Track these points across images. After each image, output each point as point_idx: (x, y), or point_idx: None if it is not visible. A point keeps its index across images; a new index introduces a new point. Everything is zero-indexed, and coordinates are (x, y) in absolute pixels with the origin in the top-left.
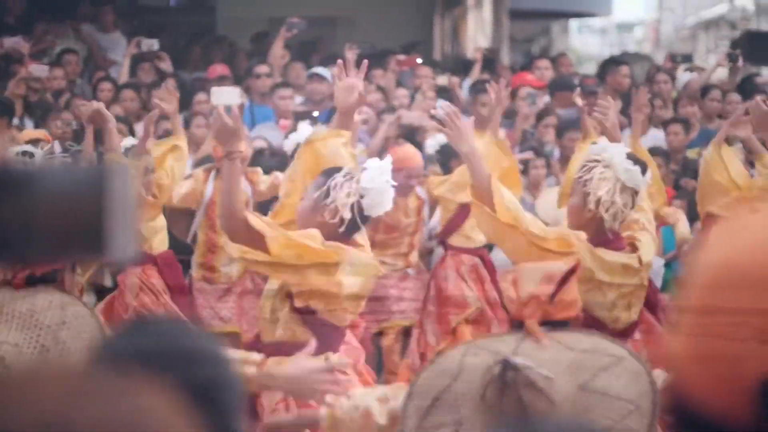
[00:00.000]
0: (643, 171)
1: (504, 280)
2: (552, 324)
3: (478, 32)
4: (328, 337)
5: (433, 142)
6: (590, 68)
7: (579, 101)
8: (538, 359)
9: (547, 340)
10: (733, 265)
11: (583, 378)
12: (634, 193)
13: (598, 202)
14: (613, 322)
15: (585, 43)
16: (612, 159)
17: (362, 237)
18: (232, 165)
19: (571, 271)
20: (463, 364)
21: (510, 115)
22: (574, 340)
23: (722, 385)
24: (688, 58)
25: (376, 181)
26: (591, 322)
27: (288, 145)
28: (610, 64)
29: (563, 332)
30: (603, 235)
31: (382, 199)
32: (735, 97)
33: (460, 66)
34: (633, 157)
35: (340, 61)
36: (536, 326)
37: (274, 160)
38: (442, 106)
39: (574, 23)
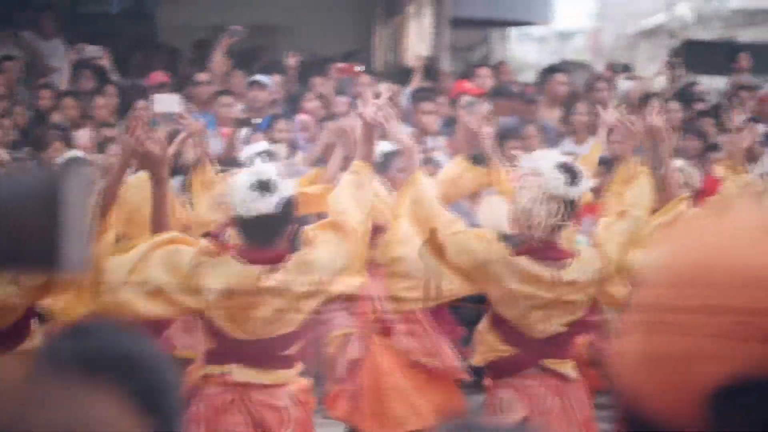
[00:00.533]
0: (576, 181)
1: None
2: None
3: (418, 40)
4: None
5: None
6: (530, 76)
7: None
8: None
9: None
10: (697, 264)
11: None
12: (564, 202)
13: (520, 210)
14: (529, 330)
15: (524, 51)
16: (539, 168)
17: None
18: (160, 191)
19: None
20: None
21: (450, 123)
22: None
23: (674, 387)
24: (627, 68)
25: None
26: (508, 327)
27: (247, 155)
28: (548, 73)
29: None
30: (530, 243)
31: None
32: (674, 105)
33: (401, 74)
34: (566, 166)
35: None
36: None
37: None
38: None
39: (513, 32)
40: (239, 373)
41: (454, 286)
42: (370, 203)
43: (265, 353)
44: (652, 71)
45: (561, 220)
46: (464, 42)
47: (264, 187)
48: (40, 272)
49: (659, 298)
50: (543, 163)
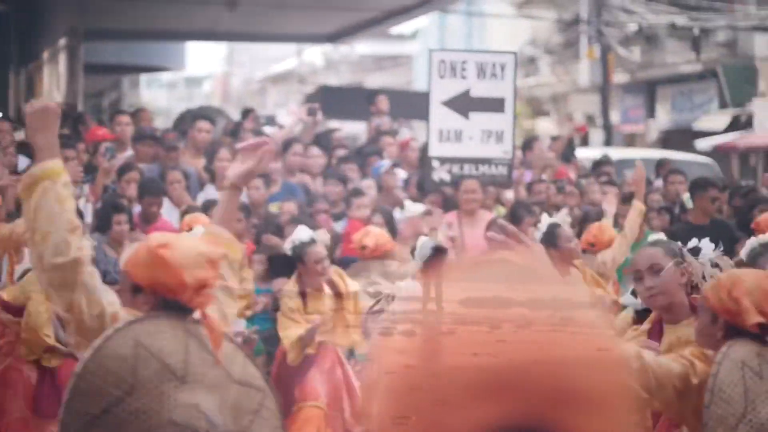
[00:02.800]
0: None
1: None
2: None
3: (53, 86)
4: None
5: None
6: (161, 122)
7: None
8: None
9: None
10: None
11: None
12: None
13: None
14: None
15: (154, 96)
16: None
17: None
18: None
19: None
20: None
21: (90, 170)
22: None
23: None
24: (251, 112)
25: None
26: None
27: None
28: (190, 120)
29: None
30: None
31: None
32: (315, 151)
33: None
34: None
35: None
36: None
37: None
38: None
39: (143, 77)
40: None
41: None
42: None
43: None
44: (283, 116)
45: None
46: (95, 87)
47: None
48: None
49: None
50: None
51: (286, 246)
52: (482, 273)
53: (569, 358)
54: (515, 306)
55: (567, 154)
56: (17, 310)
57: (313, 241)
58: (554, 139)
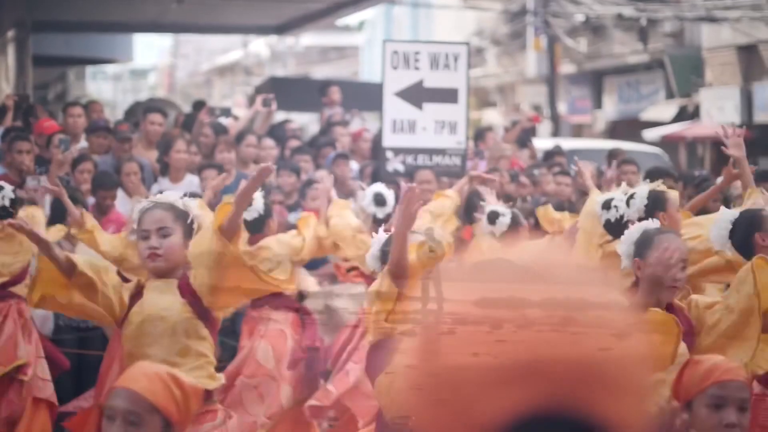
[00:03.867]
0: None
1: None
2: None
3: (1, 78)
4: None
5: None
6: (108, 114)
7: None
8: None
9: None
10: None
11: None
12: None
13: None
14: None
15: (99, 88)
16: None
17: None
18: None
19: None
20: None
21: (41, 163)
22: None
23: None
24: (202, 104)
25: None
26: None
27: None
28: (142, 111)
29: None
30: None
31: None
32: (269, 142)
33: None
34: None
35: None
36: None
37: None
38: None
39: (89, 69)
40: None
41: None
42: None
43: None
44: (231, 107)
45: None
46: (41, 79)
47: None
48: None
49: (423, 358)
50: None
51: None
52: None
53: (591, 349)
54: (534, 299)
55: (523, 139)
56: None
57: None
58: (507, 129)
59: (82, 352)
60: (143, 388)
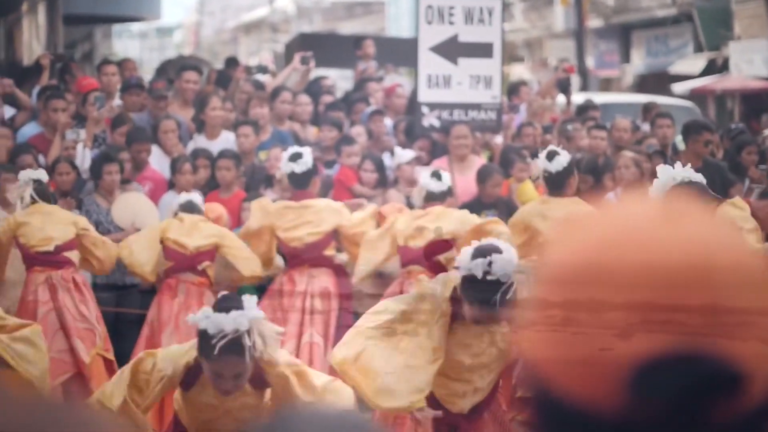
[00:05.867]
0: None
1: None
2: None
3: (33, 38)
4: None
5: None
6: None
7: None
8: None
9: None
10: (593, 262)
11: None
12: None
13: None
14: None
15: (125, 47)
16: None
17: None
18: None
19: None
20: None
21: (79, 120)
22: None
23: (591, 376)
24: (234, 61)
25: None
26: None
27: None
28: (176, 69)
29: None
30: None
31: None
32: (304, 98)
33: (22, 72)
34: None
35: None
36: None
37: None
38: None
39: (115, 28)
40: None
41: None
42: None
43: None
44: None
45: None
46: (68, 39)
47: None
48: None
49: (562, 296)
50: None
51: None
52: None
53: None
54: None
55: (565, 86)
56: None
57: None
58: (540, 83)
59: (119, 310)
60: None
